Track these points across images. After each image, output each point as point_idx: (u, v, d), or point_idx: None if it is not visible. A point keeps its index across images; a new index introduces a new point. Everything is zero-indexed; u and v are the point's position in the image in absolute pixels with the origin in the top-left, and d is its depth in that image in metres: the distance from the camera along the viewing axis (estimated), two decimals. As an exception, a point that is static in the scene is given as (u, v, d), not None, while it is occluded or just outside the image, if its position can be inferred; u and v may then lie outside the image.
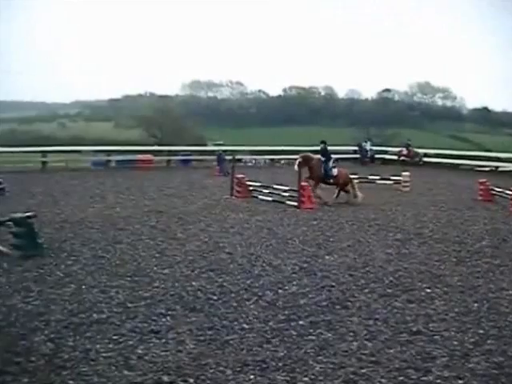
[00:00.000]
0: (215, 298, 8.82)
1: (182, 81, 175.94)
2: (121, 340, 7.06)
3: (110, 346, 6.89)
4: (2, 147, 36.92)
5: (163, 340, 7.10)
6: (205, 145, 50.67)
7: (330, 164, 20.28)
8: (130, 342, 7.00)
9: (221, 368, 6.29)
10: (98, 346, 6.87)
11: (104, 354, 6.63)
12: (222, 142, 48.00)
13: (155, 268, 10.48)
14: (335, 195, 20.14)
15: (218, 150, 35.79)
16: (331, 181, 20.25)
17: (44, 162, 34.84)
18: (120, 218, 15.67)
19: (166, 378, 6.05)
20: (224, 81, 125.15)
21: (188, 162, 39.88)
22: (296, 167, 19.37)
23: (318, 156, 20.52)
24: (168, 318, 7.90)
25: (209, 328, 7.51)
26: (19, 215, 11.73)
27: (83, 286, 9.26)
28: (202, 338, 7.18)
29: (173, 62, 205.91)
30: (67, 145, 43.75)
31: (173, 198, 20.42)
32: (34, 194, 21.12)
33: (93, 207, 17.75)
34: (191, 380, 6.02)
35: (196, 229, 14.43)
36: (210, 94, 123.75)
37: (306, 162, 19.95)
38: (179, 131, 67.74)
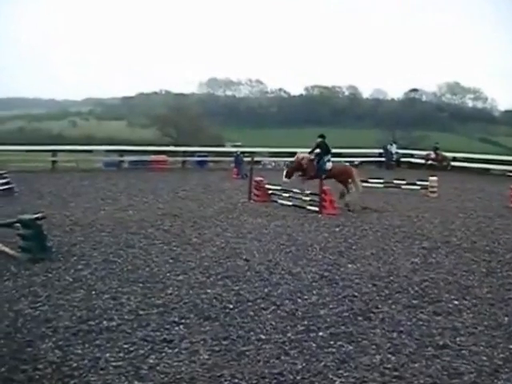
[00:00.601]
0: (231, 306, 8.82)
1: (199, 79, 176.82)
2: (131, 349, 7.08)
3: (121, 355, 6.91)
4: (11, 146, 37.26)
5: (176, 350, 7.10)
6: (222, 145, 50.72)
7: (326, 158, 20.23)
8: (141, 352, 7.02)
9: (236, 380, 6.29)
10: (107, 354, 6.90)
11: (114, 364, 6.65)
12: (240, 143, 47.97)
13: (169, 274, 10.50)
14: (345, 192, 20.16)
15: (236, 152, 35.79)
16: (323, 176, 19.74)
17: (54, 162, 35.12)
18: (132, 222, 15.74)
19: (178, 393, 6.06)
20: (243, 79, 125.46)
21: (204, 164, 39.99)
22: (284, 178, 20.07)
23: (307, 155, 20.62)
24: (181, 326, 7.91)
25: (224, 338, 7.51)
26: (27, 217, 11.81)
27: (93, 292, 9.31)
28: (216, 348, 7.17)
29: (190, 59, 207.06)
30: (78, 144, 44.09)
31: (188, 201, 20.48)
32: (43, 195, 21.29)
33: (104, 209, 17.83)
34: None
35: (212, 234, 14.44)
36: (228, 93, 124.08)
37: (295, 168, 20.39)
38: (195, 131, 67.99)
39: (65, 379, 6.24)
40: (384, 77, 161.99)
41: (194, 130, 68.19)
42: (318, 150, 20.43)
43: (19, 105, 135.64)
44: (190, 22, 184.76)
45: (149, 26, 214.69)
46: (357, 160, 40.35)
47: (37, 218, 11.68)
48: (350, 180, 20.19)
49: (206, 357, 6.90)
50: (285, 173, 20.10)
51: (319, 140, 20.66)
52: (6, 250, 11.56)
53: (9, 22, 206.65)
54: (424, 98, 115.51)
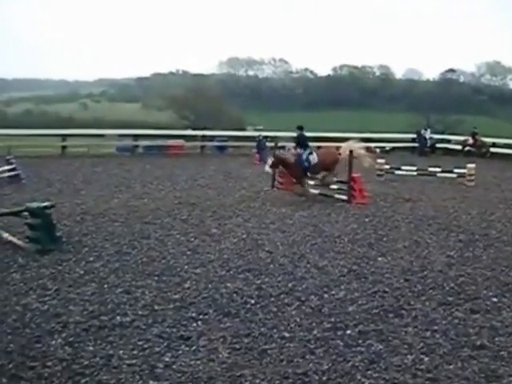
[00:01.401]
0: (253, 301, 8.85)
1: (219, 58, 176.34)
2: (146, 346, 7.14)
3: (134, 352, 6.97)
4: (17, 130, 37.43)
5: (193, 347, 7.15)
6: (243, 129, 50.56)
7: (305, 155, 19.11)
8: (157, 349, 7.07)
9: (257, 381, 6.32)
10: (120, 351, 6.96)
11: (127, 361, 6.71)
12: (262, 127, 47.80)
13: (186, 267, 10.56)
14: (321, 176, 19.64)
15: (258, 136, 35.73)
16: (309, 171, 19.37)
17: (63, 147, 35.25)
18: (148, 211, 15.84)
19: (195, 389, 6.09)
20: (266, 58, 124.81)
21: (224, 149, 39.91)
22: (268, 168, 19.42)
23: (292, 151, 19.65)
24: (199, 322, 7.96)
25: (245, 335, 7.54)
26: (36, 205, 11.90)
27: (105, 286, 9.40)
28: (237, 346, 7.21)
29: (209, 37, 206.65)
30: (89, 127, 44.19)
31: (207, 189, 20.52)
32: (52, 182, 21.43)
33: (117, 198, 17.93)
34: (220, 394, 6.07)
35: (232, 224, 14.49)
36: (250, 73, 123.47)
37: (279, 160, 19.22)
38: (215, 114, 67.69)
39: (75, 377, 6.32)
40: (418, 56, 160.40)
41: (213, 113, 67.89)
42: (298, 149, 19.49)
43: (28, 86, 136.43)
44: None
45: (165, 2, 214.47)
46: (388, 146, 40.10)
47: (45, 207, 11.76)
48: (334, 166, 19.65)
49: (226, 355, 6.94)
50: (269, 162, 19.22)
51: (298, 133, 20.16)
52: (14, 240, 11.69)
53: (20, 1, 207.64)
54: (462, 79, 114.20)
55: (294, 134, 20.46)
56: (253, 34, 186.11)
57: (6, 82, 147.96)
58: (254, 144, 35.29)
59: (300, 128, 19.96)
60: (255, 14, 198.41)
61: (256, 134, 39.19)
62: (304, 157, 18.95)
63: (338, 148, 20.81)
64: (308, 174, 19.21)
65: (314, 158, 19.06)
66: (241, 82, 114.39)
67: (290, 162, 18.81)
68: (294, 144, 20.04)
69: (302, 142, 19.57)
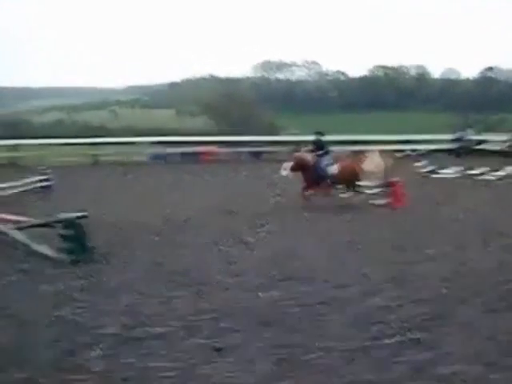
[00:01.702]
0: (291, 311, 8.77)
1: (251, 61, 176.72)
2: (183, 358, 7.11)
3: (171, 364, 6.94)
4: (49, 139, 37.88)
5: (231, 359, 7.10)
6: (277, 134, 50.49)
7: (324, 162, 18.77)
8: (193, 361, 7.03)
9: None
10: (157, 363, 6.94)
11: (164, 374, 6.69)
12: (297, 131, 47.69)
13: (222, 276, 10.53)
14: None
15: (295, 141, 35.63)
16: (328, 181, 18.86)
17: (95, 156, 35.55)
18: (182, 220, 15.86)
19: (233, 404, 6.04)
20: (297, 60, 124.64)
21: (258, 155, 39.88)
22: (285, 171, 19.06)
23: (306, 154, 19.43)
24: (237, 333, 7.91)
25: (284, 346, 7.46)
26: (68, 215, 12.01)
27: (139, 296, 9.42)
28: (275, 357, 7.13)
29: (240, 40, 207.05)
30: (120, 136, 44.51)
31: (241, 197, 20.48)
32: (84, 192, 21.56)
33: (151, 206, 17.97)
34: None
35: (268, 232, 14.45)
36: (281, 76, 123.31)
37: (299, 161, 19.01)
38: (248, 119, 67.88)
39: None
40: (456, 54, 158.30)
41: (246, 118, 68.05)
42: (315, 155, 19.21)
43: (58, 94, 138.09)
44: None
45: (196, 6, 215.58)
46: (423, 148, 39.63)
47: (78, 217, 11.87)
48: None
49: (265, 366, 6.87)
50: (287, 165, 19.18)
51: (316, 138, 19.56)
52: (46, 251, 11.76)
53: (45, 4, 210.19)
54: (502, 77, 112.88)
55: (319, 138, 19.57)
56: (284, 35, 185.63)
57: (31, 90, 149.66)
58: (290, 149, 35.14)
59: (319, 133, 19.39)
60: (287, 14, 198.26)
61: (290, 138, 39.07)
62: (324, 162, 18.61)
63: (360, 159, 19.49)
64: (328, 181, 18.62)
65: (334, 169, 18.60)
66: (272, 85, 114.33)
67: (309, 164, 18.62)
68: (310, 148, 19.52)
69: (319, 148, 18.99)
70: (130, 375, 6.68)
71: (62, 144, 38.01)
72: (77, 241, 11.49)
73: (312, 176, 18.46)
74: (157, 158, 37.65)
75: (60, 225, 11.89)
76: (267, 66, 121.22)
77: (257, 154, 39.66)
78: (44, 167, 22.75)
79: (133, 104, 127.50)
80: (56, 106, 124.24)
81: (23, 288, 9.89)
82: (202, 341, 7.64)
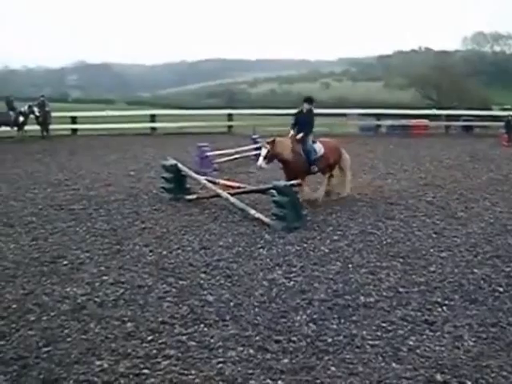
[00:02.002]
0: (501, 289, 8.56)
1: (463, 34, 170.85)
2: (390, 328, 7.18)
3: (378, 333, 7.04)
4: (262, 109, 38.89)
5: (438, 333, 7.08)
6: (489, 109, 48.55)
7: (310, 140, 14.25)
8: (400, 332, 7.08)
9: (504, 373, 6.14)
10: (364, 332, 7.06)
11: (370, 342, 6.80)
12: (510, 106, 45.60)
13: (431, 250, 10.42)
14: (324, 185, 14.81)
15: (507, 116, 34.14)
16: (316, 169, 14.21)
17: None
18: (392, 191, 15.78)
19: (439, 377, 6.05)
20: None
21: (470, 129, 38.64)
22: (261, 162, 13.57)
23: (285, 139, 14.11)
24: (444, 308, 7.85)
25: (492, 324, 7.33)
26: (283, 183, 12.36)
27: (350, 265, 9.54)
28: (483, 335, 7.03)
29: (453, 11, 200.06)
30: (331, 107, 44.74)
31: (452, 171, 19.97)
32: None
33: (361, 177, 18.01)
34: (469, 382, 5.96)
35: (479, 207, 14.04)
36: (497, 49, 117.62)
37: (275, 151, 13.62)
38: (459, 93, 65.83)
39: (319, 354, 6.51)
40: None
41: (457, 92, 66.00)
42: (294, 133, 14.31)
43: (271, 67, 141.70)
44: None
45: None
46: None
47: (292, 185, 12.17)
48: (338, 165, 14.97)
49: (471, 343, 6.80)
50: (263, 153, 13.57)
51: (304, 107, 14.45)
52: (261, 217, 12.20)
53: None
54: None
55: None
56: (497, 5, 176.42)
57: (250, 62, 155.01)
58: (502, 124, 33.73)
59: (308, 100, 14.54)
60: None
61: (503, 113, 37.48)
62: (310, 145, 14.15)
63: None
64: (314, 168, 14.16)
65: (319, 149, 14.27)
66: (486, 58, 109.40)
67: (294, 150, 13.80)
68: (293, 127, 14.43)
69: (305, 121, 14.23)
70: (336, 340, 6.83)
71: (274, 114, 38.90)
72: (290, 208, 11.76)
73: (302, 163, 13.92)
74: (366, 129, 37.54)
75: (274, 192, 12.26)
76: (480, 38, 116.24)
77: (468, 129, 38.41)
78: (257, 136, 23.38)
79: (342, 76, 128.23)
80: (268, 77, 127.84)
81: (239, 250, 10.36)
82: (411, 313, 7.64)
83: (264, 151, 13.52)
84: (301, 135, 13.98)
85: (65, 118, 33.89)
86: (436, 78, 72.68)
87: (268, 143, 13.51)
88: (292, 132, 14.28)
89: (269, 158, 13.49)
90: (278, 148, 13.51)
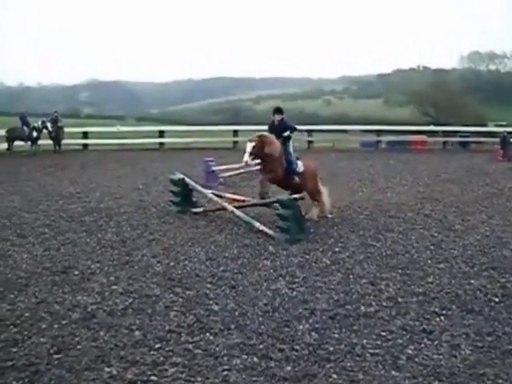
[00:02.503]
0: (496, 300, 8.54)
1: (460, 53, 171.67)
2: (389, 337, 7.15)
3: (378, 342, 7.01)
4: (267, 125, 38.93)
5: (436, 342, 7.05)
6: (485, 125, 48.66)
7: (291, 150, 13.55)
8: (400, 341, 7.05)
9: (500, 381, 6.10)
10: (364, 341, 7.03)
11: (371, 351, 6.77)
12: (505, 123, 45.69)
13: (429, 261, 10.40)
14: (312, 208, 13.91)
15: (502, 132, 34.23)
16: (296, 179, 13.55)
17: (309, 142, 36.19)
18: (391, 204, 15.75)
19: (436, 385, 6.01)
20: (508, 51, 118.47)
21: (466, 145, 38.70)
22: (247, 158, 12.95)
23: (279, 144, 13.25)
24: (442, 318, 7.83)
25: (488, 334, 7.31)
26: (286, 197, 12.38)
27: (350, 276, 9.51)
28: (479, 344, 7.00)
29: (449, 31, 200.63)
30: (333, 123, 44.87)
31: (449, 185, 19.98)
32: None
33: (362, 191, 18.03)
34: (466, 390, 5.91)
35: (476, 220, 14.00)
36: (492, 67, 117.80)
37: (262, 146, 12.96)
38: (456, 109, 66.06)
39: (321, 362, 6.48)
40: None
41: (454, 109, 66.28)
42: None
43: (274, 85, 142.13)
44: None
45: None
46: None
47: (295, 199, 12.17)
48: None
49: (468, 352, 6.77)
50: (249, 149, 12.83)
51: (276, 117, 13.72)
52: (265, 229, 12.19)
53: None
54: None
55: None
56: (493, 26, 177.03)
57: (254, 81, 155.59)
58: (497, 140, 33.82)
59: (278, 111, 13.75)
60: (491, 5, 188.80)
61: (498, 129, 37.62)
62: (291, 154, 13.47)
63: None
64: (293, 180, 13.48)
65: (300, 166, 13.56)
66: (482, 76, 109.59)
67: (275, 153, 13.04)
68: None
69: (280, 131, 13.44)
70: (337, 349, 6.81)
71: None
72: (293, 221, 11.75)
73: (276, 166, 13.14)
74: (367, 145, 37.64)
75: (278, 205, 12.27)
76: (476, 57, 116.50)
77: (464, 144, 38.47)
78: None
79: (343, 94, 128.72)
80: (272, 94, 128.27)
81: (244, 261, 10.35)
82: (410, 322, 7.62)
83: (249, 147, 12.83)
84: (287, 133, 13.37)
85: (77, 133, 34.02)
86: (434, 95, 73.00)
87: (253, 139, 12.96)
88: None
89: (255, 153, 12.85)
90: (267, 143, 12.90)
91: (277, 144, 13.15)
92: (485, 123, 51.65)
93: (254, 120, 52.83)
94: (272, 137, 13.22)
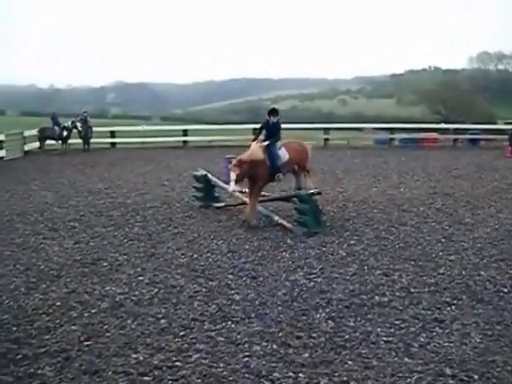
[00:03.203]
0: (505, 290, 8.49)
1: (470, 53, 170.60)
2: (402, 326, 7.14)
3: (391, 330, 7.00)
4: (285, 124, 38.96)
5: (447, 330, 7.03)
6: (494, 123, 48.21)
7: (277, 146, 13.14)
8: (412, 329, 7.04)
9: (509, 367, 6.08)
10: (378, 329, 7.03)
11: (384, 339, 6.77)
12: (513, 121, 45.27)
13: (441, 253, 10.36)
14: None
15: (511, 129, 33.90)
16: (280, 175, 13.06)
17: (326, 139, 36.04)
18: (404, 199, 15.66)
19: (448, 371, 5.99)
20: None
21: (476, 142, 38.33)
22: (234, 187, 12.30)
23: (257, 147, 12.78)
24: (453, 307, 7.80)
25: (497, 323, 7.28)
26: (304, 192, 12.38)
27: (365, 267, 9.51)
28: (489, 332, 6.98)
29: (459, 32, 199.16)
30: (347, 122, 44.71)
31: (460, 180, 19.82)
32: (316, 171, 21.87)
33: (375, 187, 17.94)
34: (475, 376, 5.90)
35: (485, 214, 13.88)
36: (501, 67, 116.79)
37: (249, 168, 12.28)
38: (466, 108, 65.65)
39: (337, 349, 6.49)
40: None
41: (464, 107, 65.89)
42: (263, 140, 13.11)
43: (292, 85, 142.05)
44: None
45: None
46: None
47: (313, 194, 12.17)
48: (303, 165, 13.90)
49: (478, 340, 6.75)
50: (234, 177, 12.09)
51: (270, 118, 13.28)
52: (284, 222, 12.21)
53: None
54: None
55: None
56: (502, 26, 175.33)
57: (273, 81, 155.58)
58: (506, 137, 33.49)
59: (273, 112, 13.46)
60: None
61: (507, 127, 37.24)
62: (276, 152, 12.98)
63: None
64: (279, 176, 13.03)
65: (284, 155, 13.11)
66: (491, 76, 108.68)
67: (259, 160, 12.48)
68: (257, 135, 13.52)
69: (273, 132, 13.17)
70: (352, 337, 6.82)
71: (296, 128, 39.02)
72: (311, 214, 11.77)
73: (266, 172, 12.73)
74: (380, 142, 37.40)
75: (296, 200, 12.29)
76: (485, 57, 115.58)
77: (474, 141, 38.12)
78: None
79: (358, 93, 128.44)
80: (290, 94, 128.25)
81: (264, 253, 10.37)
82: (422, 311, 7.61)
83: (234, 175, 12.01)
84: (266, 143, 12.85)
85: (105, 132, 34.08)
86: (444, 94, 72.60)
87: (237, 165, 12.05)
88: (260, 137, 13.18)
89: (240, 177, 12.14)
90: (247, 162, 12.15)
91: (258, 152, 12.54)
92: (494, 121, 51.18)
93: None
94: (255, 149, 12.61)
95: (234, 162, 12.24)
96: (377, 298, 8.10)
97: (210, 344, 6.60)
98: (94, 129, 31.69)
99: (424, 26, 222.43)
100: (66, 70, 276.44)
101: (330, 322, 7.25)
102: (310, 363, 6.15)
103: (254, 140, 13.23)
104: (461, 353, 6.40)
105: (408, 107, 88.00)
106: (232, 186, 12.18)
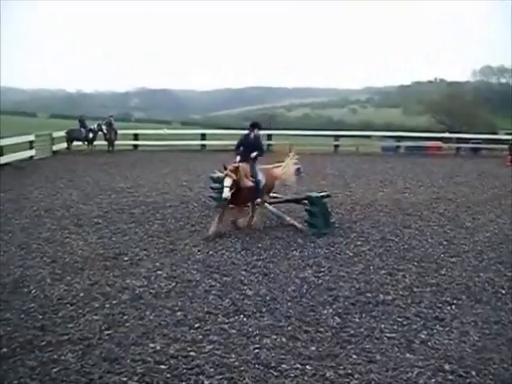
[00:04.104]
0: (503, 291, 8.45)
1: (473, 67, 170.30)
2: (405, 323, 7.14)
3: (395, 327, 7.00)
4: (297, 130, 38.99)
5: (447, 328, 7.02)
6: (495, 133, 47.91)
7: (257, 168, 12.13)
8: (414, 326, 7.04)
9: (505, 365, 6.04)
10: (382, 325, 7.03)
11: (388, 335, 6.76)
12: (513, 131, 44.96)
13: (442, 255, 10.33)
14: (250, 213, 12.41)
15: (511, 139, 33.69)
16: (259, 201, 12.50)
17: (336, 146, 35.98)
18: (408, 204, 15.59)
19: (447, 367, 5.97)
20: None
21: (478, 151, 38.15)
22: (228, 194, 11.12)
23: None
24: (453, 306, 7.78)
25: (495, 322, 7.26)
26: (314, 194, 12.37)
27: (371, 267, 9.49)
28: (487, 331, 6.97)
29: (463, 47, 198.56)
30: (357, 130, 44.58)
31: (462, 187, 19.70)
32: (326, 176, 21.88)
33: (382, 191, 17.88)
34: (473, 372, 5.87)
35: (485, 219, 13.81)
36: (503, 80, 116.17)
37: (239, 178, 11.35)
38: (469, 118, 65.36)
39: (343, 344, 6.49)
40: None
41: (467, 118, 65.59)
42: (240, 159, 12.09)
43: (305, 94, 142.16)
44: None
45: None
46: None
47: (322, 196, 12.16)
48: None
49: (476, 338, 6.74)
50: (229, 184, 11.07)
51: (252, 132, 12.43)
52: (295, 223, 12.22)
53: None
54: None
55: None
56: (503, 41, 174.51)
57: (287, 90, 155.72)
58: (506, 147, 33.30)
59: (257, 126, 12.60)
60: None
61: (507, 137, 37.06)
62: (258, 173, 11.98)
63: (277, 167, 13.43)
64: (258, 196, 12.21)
65: (262, 178, 12.04)
66: (493, 88, 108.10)
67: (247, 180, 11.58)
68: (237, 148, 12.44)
69: (253, 146, 12.15)
70: (357, 332, 6.82)
71: (308, 135, 39.09)
72: (320, 216, 11.78)
73: (247, 193, 11.74)
74: (388, 149, 37.34)
75: (307, 202, 12.26)
76: (487, 71, 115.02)
77: (476, 150, 37.92)
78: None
79: (367, 103, 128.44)
80: (303, 103, 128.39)
81: (275, 251, 10.37)
82: (424, 310, 7.59)
83: (229, 181, 11.09)
84: (255, 153, 11.98)
85: (128, 135, 34.19)
86: (449, 105, 72.30)
87: (232, 171, 11.20)
88: (238, 158, 12.08)
89: (233, 186, 11.15)
90: (242, 174, 11.36)
91: (247, 171, 11.70)
92: (495, 131, 50.83)
93: (286, 125, 52.92)
94: (245, 166, 11.71)
95: (229, 167, 11.30)
96: (381, 296, 8.09)
97: (222, 336, 6.62)
98: (118, 131, 31.84)
99: (431, 40, 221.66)
100: (92, 75, 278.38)
101: (336, 317, 7.25)
102: (316, 356, 6.15)
103: (235, 152, 12.29)
104: (460, 350, 6.39)
105: (414, 117, 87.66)
106: (226, 193, 11.11)
